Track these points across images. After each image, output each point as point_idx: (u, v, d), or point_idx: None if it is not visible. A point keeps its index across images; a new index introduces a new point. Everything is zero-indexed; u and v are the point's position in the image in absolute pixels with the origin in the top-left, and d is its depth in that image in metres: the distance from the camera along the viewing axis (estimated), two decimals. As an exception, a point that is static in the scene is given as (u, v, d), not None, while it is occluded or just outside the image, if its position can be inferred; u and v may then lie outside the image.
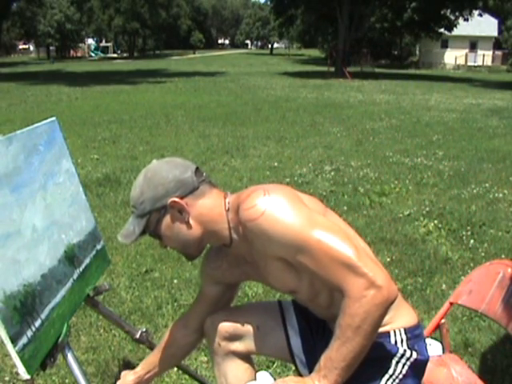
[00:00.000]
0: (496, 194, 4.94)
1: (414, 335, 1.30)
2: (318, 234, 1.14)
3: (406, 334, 1.29)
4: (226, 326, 1.47)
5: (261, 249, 1.23)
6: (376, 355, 1.23)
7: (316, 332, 1.45)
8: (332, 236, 1.14)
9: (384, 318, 1.13)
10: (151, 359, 1.60)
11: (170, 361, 1.61)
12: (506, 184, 5.35)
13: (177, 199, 1.25)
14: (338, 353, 1.12)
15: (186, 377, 2.15)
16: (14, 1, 33.76)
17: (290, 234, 1.14)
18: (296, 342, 1.46)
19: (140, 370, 1.60)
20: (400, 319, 1.31)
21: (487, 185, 5.27)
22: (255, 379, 1.54)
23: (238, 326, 1.47)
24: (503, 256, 3.44)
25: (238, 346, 1.48)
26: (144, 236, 1.31)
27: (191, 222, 1.28)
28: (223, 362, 1.50)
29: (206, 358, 2.32)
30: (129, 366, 2.28)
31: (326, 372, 1.13)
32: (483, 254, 3.49)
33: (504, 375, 2.18)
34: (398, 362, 1.27)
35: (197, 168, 1.32)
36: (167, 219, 1.28)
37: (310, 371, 1.39)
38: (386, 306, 1.10)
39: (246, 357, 1.51)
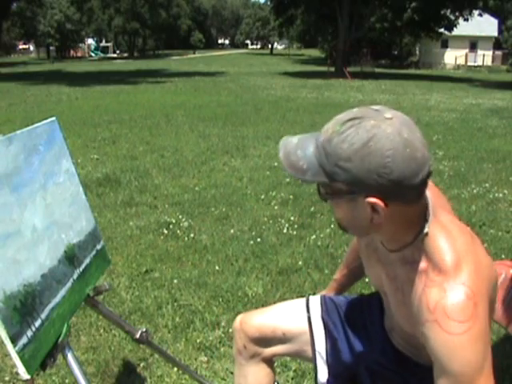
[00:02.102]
0: (496, 194, 4.94)
1: None
2: (483, 367, 1.04)
3: None
4: (253, 330, 1.46)
5: (416, 316, 1.03)
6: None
7: (344, 332, 1.44)
8: (490, 371, 1.06)
9: None
10: (345, 263, 1.61)
11: (361, 269, 1.45)
12: (506, 184, 5.35)
13: (380, 203, 0.94)
14: None
15: (186, 377, 2.15)
16: (13, 1, 33.75)
17: (457, 367, 0.98)
18: (321, 346, 1.44)
19: (337, 274, 1.63)
20: None
21: (487, 185, 5.27)
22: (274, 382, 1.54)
23: (265, 330, 1.46)
24: (503, 256, 3.44)
25: (263, 350, 1.47)
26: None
27: (374, 223, 1.00)
28: (246, 364, 1.50)
29: (205, 358, 2.32)
30: (129, 365, 2.28)
31: None
32: (483, 254, 3.49)
33: (504, 375, 2.18)
34: None
35: (428, 174, 0.94)
36: (352, 205, 0.98)
37: (330, 371, 1.39)
38: None
39: (268, 361, 1.51)
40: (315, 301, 1.52)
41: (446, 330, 0.95)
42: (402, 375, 1.30)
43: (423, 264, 1.02)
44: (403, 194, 0.93)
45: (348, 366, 1.40)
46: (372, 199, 0.93)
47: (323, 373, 1.42)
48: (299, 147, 1.00)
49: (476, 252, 1.02)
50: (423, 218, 1.03)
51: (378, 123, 0.91)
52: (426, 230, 1.01)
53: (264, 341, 1.47)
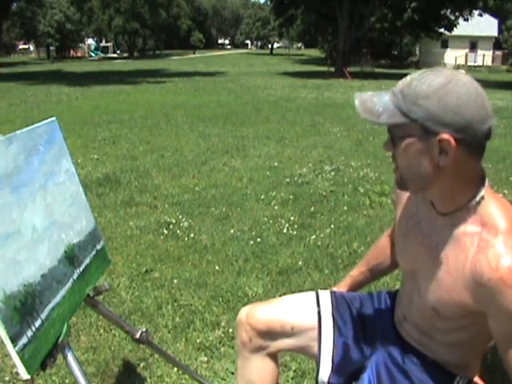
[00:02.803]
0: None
1: None
2: None
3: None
4: (260, 323, 1.44)
5: (468, 283, 1.06)
6: None
7: (353, 329, 1.43)
8: None
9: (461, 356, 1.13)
10: (365, 261, 1.60)
11: (380, 269, 1.58)
12: (506, 184, 5.35)
13: (452, 140, 1.00)
14: None
15: (186, 377, 2.15)
16: (13, 1, 33.76)
17: None
18: (328, 342, 1.42)
19: (354, 270, 1.62)
20: (470, 370, 1.29)
21: (487, 185, 5.27)
22: (277, 379, 1.52)
23: (274, 325, 1.43)
24: (503, 256, 3.44)
25: (269, 344, 1.45)
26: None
27: (438, 167, 1.04)
28: (251, 357, 1.47)
29: (205, 358, 2.32)
30: (129, 365, 2.28)
31: None
32: (483, 254, 3.49)
33: (504, 375, 2.18)
34: None
35: (491, 128, 1.03)
36: (421, 144, 1.03)
37: (335, 369, 1.38)
38: None
39: (273, 356, 1.48)
40: (325, 296, 1.50)
41: (502, 279, 0.98)
42: (406, 370, 1.29)
43: (476, 228, 1.06)
44: (472, 136, 1.01)
45: (354, 363, 1.39)
46: (445, 135, 1.00)
47: (326, 370, 1.40)
48: (375, 96, 1.09)
49: None
50: (480, 181, 1.08)
51: (454, 73, 1.05)
52: (482, 193, 1.07)
53: (271, 334, 1.44)
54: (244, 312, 1.49)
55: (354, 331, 1.43)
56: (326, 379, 1.39)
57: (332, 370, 1.39)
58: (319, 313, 1.46)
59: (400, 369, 1.30)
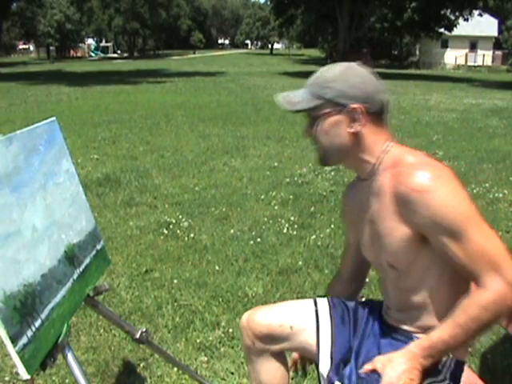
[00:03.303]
0: (496, 194, 4.94)
1: (460, 370, 1.30)
2: (478, 224, 1.17)
3: (455, 364, 1.29)
4: (260, 327, 1.49)
5: (402, 213, 1.21)
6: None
7: (355, 330, 1.46)
8: (488, 230, 1.18)
9: None
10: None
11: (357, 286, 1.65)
12: (506, 184, 5.35)
13: (359, 108, 1.24)
14: (454, 338, 1.16)
15: (186, 377, 2.15)
16: (14, 1, 33.76)
17: (453, 217, 1.15)
18: (326, 345, 1.46)
19: None
20: (460, 349, 1.30)
21: (487, 185, 5.27)
22: (288, 376, 1.57)
23: (273, 326, 1.48)
24: (503, 256, 3.44)
25: (271, 346, 1.50)
26: (296, 113, 1.31)
27: (354, 135, 1.27)
28: (257, 360, 1.53)
29: (205, 358, 2.32)
30: (129, 365, 2.28)
31: (434, 352, 1.19)
32: (483, 254, 3.49)
33: (504, 375, 2.18)
34: None
35: (387, 101, 1.30)
36: (337, 118, 1.26)
37: (333, 365, 1.40)
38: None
39: (278, 354, 1.53)
40: (323, 299, 1.56)
41: (424, 191, 1.16)
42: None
43: (390, 171, 1.25)
44: (374, 104, 1.25)
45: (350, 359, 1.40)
46: (354, 105, 1.24)
47: (325, 367, 1.43)
48: (293, 91, 1.33)
49: (439, 163, 1.25)
50: (387, 140, 1.30)
51: (351, 63, 1.32)
52: (388, 147, 1.29)
53: (272, 336, 1.48)
54: (245, 317, 1.55)
55: (350, 328, 1.47)
56: (325, 374, 1.41)
57: (331, 366, 1.41)
58: (317, 312, 1.50)
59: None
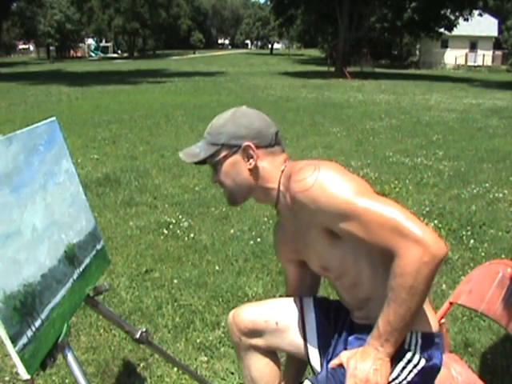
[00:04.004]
0: (496, 194, 4.94)
1: (431, 342, 1.29)
2: (365, 201, 1.18)
3: (422, 338, 1.28)
4: (245, 322, 1.51)
5: (306, 219, 1.28)
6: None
7: (335, 328, 1.47)
8: (379, 202, 1.19)
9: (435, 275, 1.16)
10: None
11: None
12: (506, 184, 5.35)
13: (252, 145, 1.34)
14: (396, 315, 1.16)
15: (186, 377, 2.15)
16: (14, 1, 33.75)
17: (337, 201, 1.19)
18: (312, 340, 1.48)
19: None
20: (421, 322, 1.28)
21: (487, 185, 5.27)
22: (279, 372, 1.58)
23: (258, 322, 1.51)
24: (503, 256, 3.44)
25: (257, 341, 1.52)
26: (200, 164, 1.41)
27: (252, 170, 1.36)
28: (245, 356, 1.56)
29: (205, 358, 2.32)
30: (129, 365, 2.28)
31: (387, 336, 1.18)
32: (483, 254, 3.49)
33: (504, 375, 2.18)
34: (403, 368, 1.26)
35: (278, 132, 1.40)
36: (234, 158, 1.36)
37: (322, 357, 1.43)
38: (436, 262, 1.11)
39: (268, 351, 1.54)
40: (308, 297, 1.57)
41: (305, 189, 1.22)
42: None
43: (287, 184, 1.32)
44: (264, 138, 1.36)
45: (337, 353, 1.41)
46: (246, 143, 1.34)
47: (316, 359, 1.46)
48: (193, 146, 1.43)
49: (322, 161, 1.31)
50: (283, 165, 1.38)
51: (237, 107, 1.42)
52: (284, 168, 1.37)
53: (257, 332, 1.51)
54: (231, 314, 1.57)
55: (332, 326, 1.49)
56: (318, 367, 1.45)
57: (321, 358, 1.45)
58: (302, 308, 1.52)
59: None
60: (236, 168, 1.37)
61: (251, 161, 1.35)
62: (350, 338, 1.37)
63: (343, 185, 1.21)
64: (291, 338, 1.50)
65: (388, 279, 1.16)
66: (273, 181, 1.37)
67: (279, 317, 1.51)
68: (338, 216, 1.19)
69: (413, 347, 1.27)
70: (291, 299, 1.56)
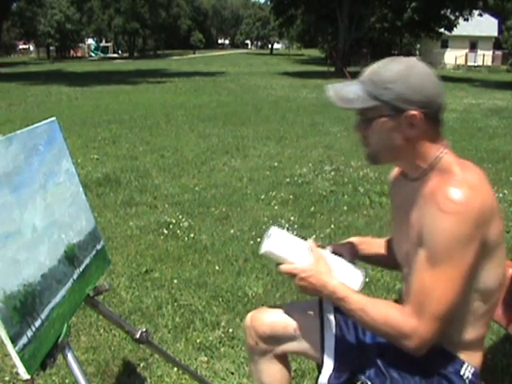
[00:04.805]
0: (496, 194, 4.94)
1: (476, 380, 1.30)
2: (453, 274, 1.13)
3: (472, 375, 1.29)
4: (264, 327, 1.48)
5: (420, 220, 1.20)
6: (442, 372, 1.27)
7: (354, 333, 1.45)
8: (452, 288, 1.14)
9: (464, 344, 1.24)
10: (370, 241, 1.62)
11: (379, 257, 1.61)
12: (506, 184, 5.35)
13: (418, 115, 1.16)
14: (352, 305, 1.25)
15: (186, 377, 2.15)
16: (14, 1, 33.74)
17: (447, 249, 1.12)
18: (330, 343, 1.44)
19: (356, 239, 1.59)
20: (476, 358, 1.31)
21: (487, 185, 5.26)
22: (290, 378, 1.57)
23: (276, 327, 1.47)
24: (503, 256, 3.44)
25: (274, 347, 1.49)
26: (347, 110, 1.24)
27: (408, 141, 1.21)
28: (260, 360, 1.52)
29: (205, 358, 2.32)
30: (129, 365, 2.28)
31: (340, 294, 1.27)
32: (483, 254, 3.49)
33: (504, 375, 2.18)
34: None
35: (444, 105, 1.24)
36: (392, 121, 1.19)
37: (334, 376, 1.40)
38: (408, 347, 1.19)
39: (281, 356, 1.52)
40: (328, 301, 1.51)
41: (441, 207, 1.12)
42: (408, 365, 1.31)
43: (437, 178, 1.20)
44: (432, 109, 1.18)
45: (354, 364, 1.39)
46: (412, 111, 1.16)
47: (327, 371, 1.42)
48: (346, 85, 1.25)
49: (483, 184, 1.19)
50: (440, 146, 1.23)
51: (411, 59, 1.22)
52: (443, 153, 1.22)
53: (275, 338, 1.47)
54: (249, 317, 1.54)
55: (356, 333, 1.45)
56: (326, 380, 1.40)
57: (333, 371, 1.40)
58: (321, 315, 1.48)
59: (403, 364, 1.31)
60: (391, 132, 1.20)
61: (412, 131, 1.18)
62: (396, 353, 1.32)
63: (465, 246, 1.12)
64: (308, 345, 1.47)
65: (388, 303, 1.24)
66: (424, 160, 1.22)
67: (298, 323, 1.47)
68: (430, 248, 1.15)
69: (465, 378, 1.28)
70: (311, 304, 1.52)
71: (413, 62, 1.20)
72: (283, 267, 1.36)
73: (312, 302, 1.53)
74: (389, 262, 1.54)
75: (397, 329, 1.18)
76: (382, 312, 1.21)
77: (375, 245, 1.59)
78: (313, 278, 1.30)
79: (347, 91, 1.22)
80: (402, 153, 1.23)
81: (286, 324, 1.47)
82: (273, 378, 1.52)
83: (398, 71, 1.17)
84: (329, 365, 1.42)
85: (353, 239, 1.58)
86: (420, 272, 1.17)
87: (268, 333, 1.47)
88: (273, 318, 1.49)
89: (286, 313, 1.50)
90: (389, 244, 1.55)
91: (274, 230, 1.39)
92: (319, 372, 1.44)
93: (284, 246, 1.37)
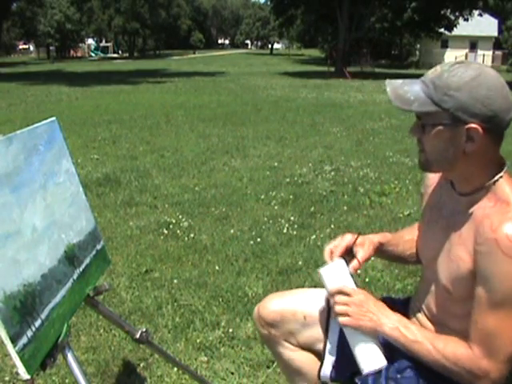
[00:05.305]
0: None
1: None
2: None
3: None
4: (273, 313, 1.47)
5: (472, 248, 1.13)
6: None
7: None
8: None
9: None
10: (391, 236, 1.50)
11: (399, 252, 1.51)
12: (506, 184, 5.35)
13: (480, 129, 1.07)
14: (412, 346, 1.19)
15: (186, 377, 2.15)
16: (14, 1, 33.76)
17: (509, 292, 1.08)
18: (333, 340, 1.43)
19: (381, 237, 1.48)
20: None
21: (487, 185, 5.26)
22: (316, 360, 1.51)
23: (285, 312, 1.47)
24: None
25: (283, 333, 1.47)
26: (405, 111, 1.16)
27: (466, 155, 1.12)
28: (279, 349, 1.51)
29: (205, 358, 2.32)
30: (129, 365, 2.28)
31: (394, 333, 1.21)
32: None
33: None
34: None
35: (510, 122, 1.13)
36: (451, 131, 1.11)
37: (335, 370, 1.39)
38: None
39: (298, 344, 1.50)
40: None
41: (504, 250, 1.05)
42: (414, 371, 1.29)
43: (490, 203, 1.13)
44: (497, 125, 1.08)
45: (355, 364, 1.39)
46: (473, 125, 1.07)
47: (328, 365, 1.41)
48: (405, 84, 1.16)
49: None
50: (498, 165, 1.15)
51: (482, 66, 1.11)
52: (501, 174, 1.14)
53: (284, 323, 1.46)
54: (256, 309, 1.52)
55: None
56: (327, 373, 1.41)
57: (334, 366, 1.40)
58: (329, 309, 1.45)
59: (410, 370, 1.29)
60: (447, 143, 1.12)
61: (470, 145, 1.10)
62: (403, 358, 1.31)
63: None
64: (314, 337, 1.46)
65: (454, 340, 1.17)
66: (477, 178, 1.15)
67: (308, 311, 1.46)
68: (491, 290, 1.09)
69: None
70: (322, 295, 1.48)
71: (484, 69, 1.10)
72: (345, 287, 1.28)
73: (323, 292, 1.49)
74: (409, 259, 1.51)
75: (469, 370, 1.14)
76: (452, 350, 1.16)
77: (400, 245, 1.52)
78: (372, 305, 1.26)
79: (405, 91, 1.14)
80: (455, 166, 1.15)
81: (295, 310, 1.47)
82: (300, 362, 1.49)
83: (464, 78, 1.07)
84: (329, 361, 1.42)
85: (381, 238, 1.49)
86: (481, 313, 1.12)
87: (278, 319, 1.46)
88: (281, 305, 1.48)
89: (295, 299, 1.50)
90: (408, 238, 1.50)
91: (339, 262, 1.36)
92: (321, 365, 1.44)
93: (342, 275, 1.33)
